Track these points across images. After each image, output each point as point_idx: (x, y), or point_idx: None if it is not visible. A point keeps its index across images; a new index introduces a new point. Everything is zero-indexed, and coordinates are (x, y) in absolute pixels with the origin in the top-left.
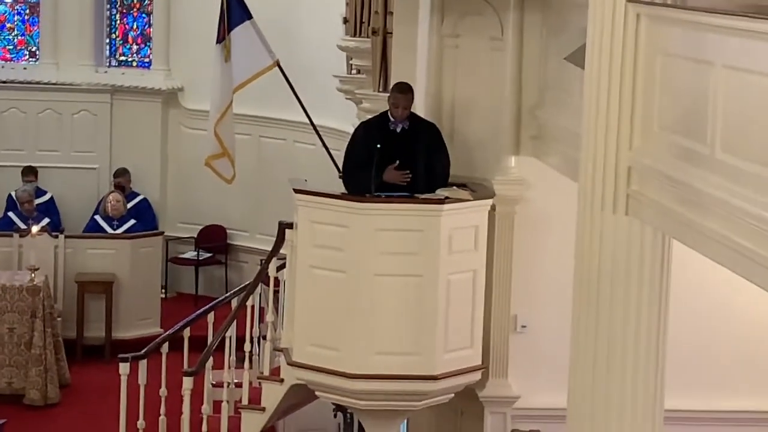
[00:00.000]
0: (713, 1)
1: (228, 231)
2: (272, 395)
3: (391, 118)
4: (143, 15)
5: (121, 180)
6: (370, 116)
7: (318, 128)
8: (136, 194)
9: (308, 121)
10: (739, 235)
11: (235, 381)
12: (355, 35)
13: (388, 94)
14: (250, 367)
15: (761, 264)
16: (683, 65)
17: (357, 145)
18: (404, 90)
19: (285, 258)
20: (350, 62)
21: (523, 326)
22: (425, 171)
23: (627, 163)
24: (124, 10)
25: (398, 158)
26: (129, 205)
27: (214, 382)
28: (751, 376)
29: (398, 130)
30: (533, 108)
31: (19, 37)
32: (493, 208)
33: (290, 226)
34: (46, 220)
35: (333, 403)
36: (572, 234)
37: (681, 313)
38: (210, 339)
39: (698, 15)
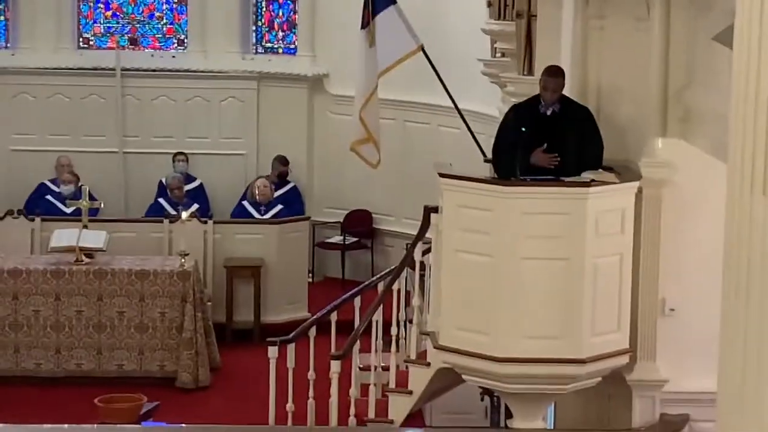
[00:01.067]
0: None
1: (373, 215)
2: (419, 379)
3: (542, 102)
4: (289, 2)
5: (286, 169)
6: (515, 100)
7: (462, 112)
8: (287, 182)
9: (453, 105)
10: None
11: (382, 364)
12: (499, 18)
13: (538, 77)
14: (397, 351)
15: None
16: None
17: (506, 128)
18: (554, 73)
19: (430, 242)
20: (494, 46)
21: (672, 309)
22: (576, 155)
23: None
24: None
25: (548, 141)
26: (279, 192)
27: (361, 366)
28: None
29: (548, 113)
30: (681, 90)
31: (168, 26)
32: (639, 190)
33: (435, 210)
34: (195, 206)
35: (480, 387)
36: (721, 217)
37: None
38: (357, 323)
39: None
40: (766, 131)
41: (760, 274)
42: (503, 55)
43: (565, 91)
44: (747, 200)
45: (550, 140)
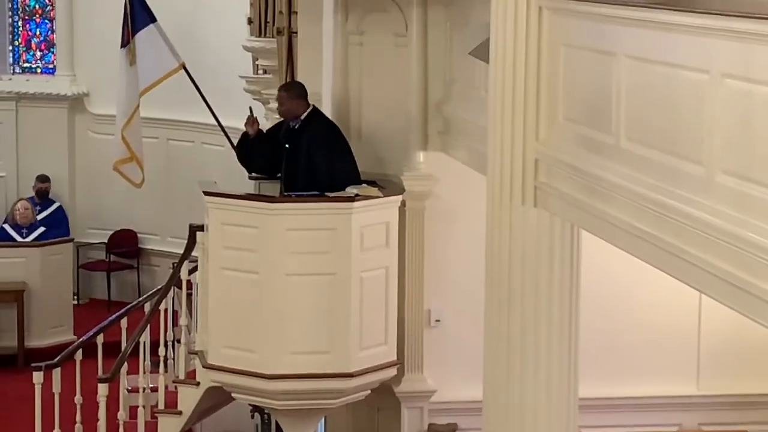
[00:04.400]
0: None
1: (139, 235)
2: (188, 399)
3: None
4: (46, 21)
5: (46, 186)
6: (277, 117)
7: (226, 129)
8: (52, 202)
9: (216, 123)
10: (645, 222)
11: (151, 386)
12: (260, 35)
13: None
14: (166, 371)
15: (666, 250)
16: (586, 56)
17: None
18: (279, 90)
19: (197, 261)
20: (256, 63)
21: (437, 320)
22: (308, 170)
23: (534, 155)
24: (27, 17)
25: (290, 154)
26: (44, 214)
27: (129, 388)
28: (659, 362)
29: (296, 127)
30: (440, 103)
31: None
32: (403, 204)
33: (201, 228)
34: None
35: (250, 404)
36: (482, 227)
37: (590, 302)
38: (124, 344)
39: (599, 6)
40: (523, 142)
41: (521, 281)
42: (265, 72)
43: (327, 107)
44: (506, 210)
45: (291, 154)
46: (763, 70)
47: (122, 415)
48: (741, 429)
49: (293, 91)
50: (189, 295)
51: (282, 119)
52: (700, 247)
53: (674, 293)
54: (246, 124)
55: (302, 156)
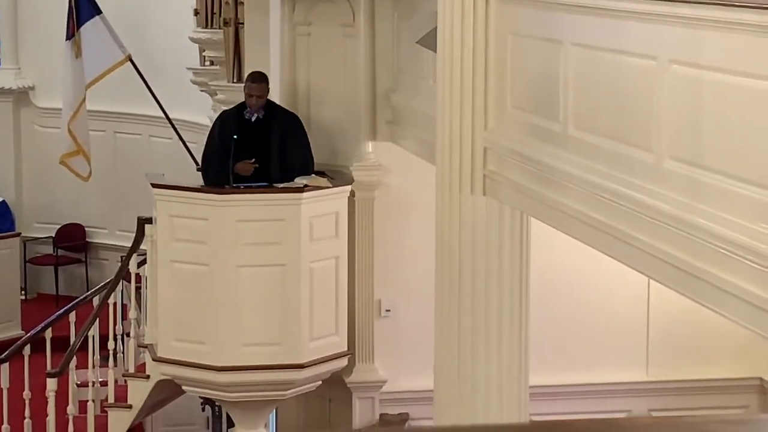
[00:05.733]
0: None
1: (87, 229)
2: (138, 392)
3: (247, 108)
4: None
5: None
6: (225, 107)
7: (174, 122)
8: None
9: (163, 115)
10: (595, 209)
11: (100, 380)
12: (206, 27)
13: (244, 84)
14: (115, 365)
15: (617, 237)
16: (533, 45)
17: (213, 137)
18: (257, 79)
19: (146, 254)
20: (203, 54)
21: (388, 310)
22: (281, 160)
23: (482, 144)
24: None
25: (253, 147)
26: None
27: (78, 382)
28: (608, 349)
29: (253, 119)
30: (388, 93)
31: None
32: (352, 194)
33: (149, 221)
34: None
35: (201, 397)
36: (432, 217)
37: (539, 291)
38: (72, 339)
39: None
40: (471, 131)
41: (471, 270)
42: (212, 63)
43: (275, 97)
44: (456, 200)
45: (256, 146)
46: (710, 56)
47: (72, 409)
48: (690, 414)
49: (268, 82)
50: (138, 289)
51: (223, 115)
52: (650, 234)
53: (623, 281)
54: (241, 165)
55: (273, 146)
